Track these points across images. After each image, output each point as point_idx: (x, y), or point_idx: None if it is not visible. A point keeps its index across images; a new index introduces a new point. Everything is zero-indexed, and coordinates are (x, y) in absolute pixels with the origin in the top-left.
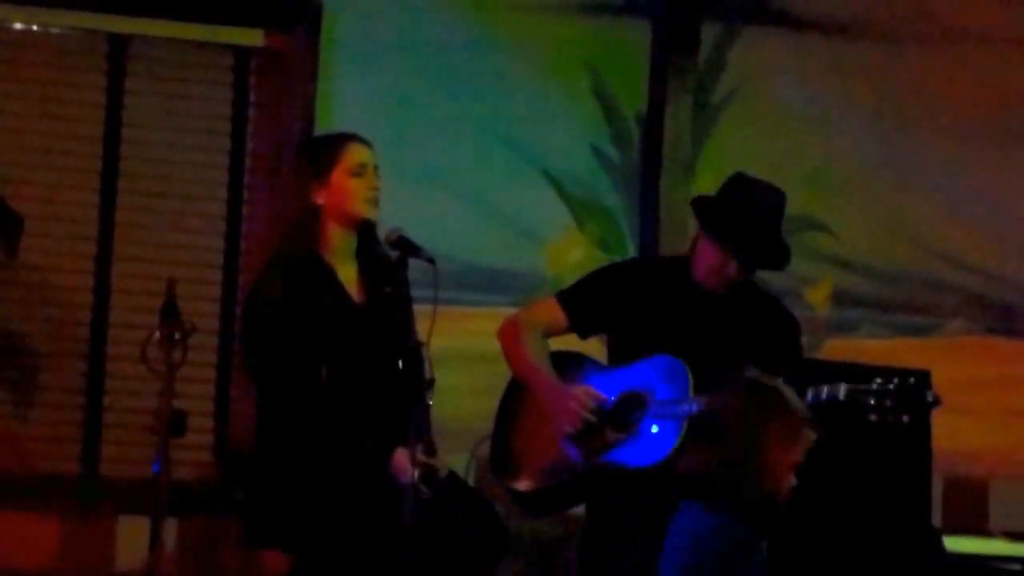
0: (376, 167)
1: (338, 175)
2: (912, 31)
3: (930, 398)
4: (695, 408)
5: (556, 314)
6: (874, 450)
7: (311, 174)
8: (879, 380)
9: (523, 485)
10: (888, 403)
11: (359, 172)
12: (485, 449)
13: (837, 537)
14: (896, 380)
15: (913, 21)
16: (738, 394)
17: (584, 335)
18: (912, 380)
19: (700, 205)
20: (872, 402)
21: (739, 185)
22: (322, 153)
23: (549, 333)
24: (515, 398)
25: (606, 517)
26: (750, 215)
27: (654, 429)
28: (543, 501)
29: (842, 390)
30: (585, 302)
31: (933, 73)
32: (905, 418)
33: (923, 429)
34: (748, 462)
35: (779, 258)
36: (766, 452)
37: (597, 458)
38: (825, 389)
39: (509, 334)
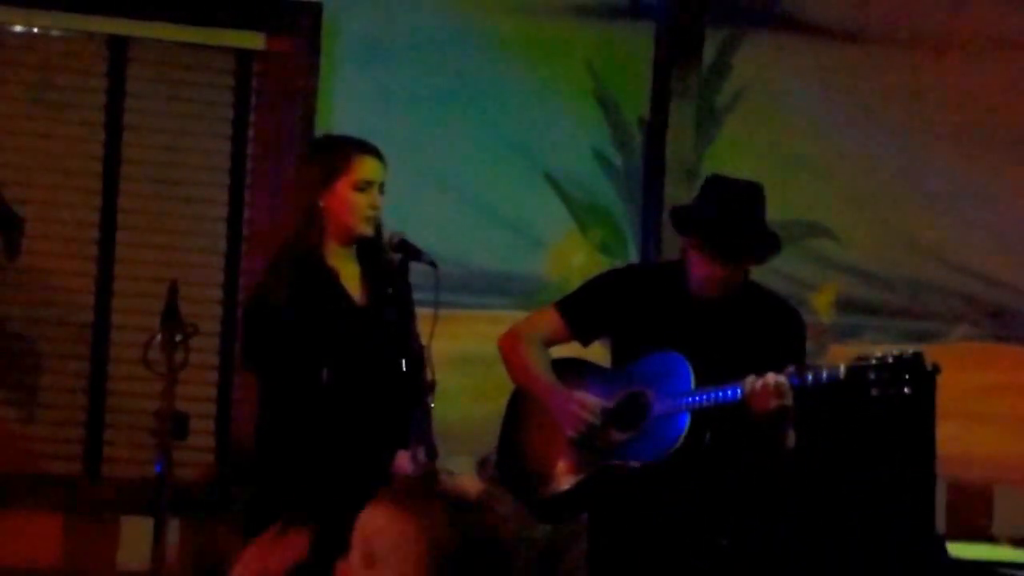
0: (382, 184)
1: (342, 185)
2: (917, 36)
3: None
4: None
5: (555, 322)
6: (879, 439)
7: (317, 174)
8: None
9: (534, 493)
10: (889, 375)
11: (363, 187)
12: (489, 459)
13: (839, 540)
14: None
15: (918, 26)
16: None
17: (585, 342)
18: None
19: (677, 215)
20: (873, 376)
21: (713, 186)
22: (332, 157)
23: (550, 342)
24: (520, 406)
25: (611, 515)
26: (725, 213)
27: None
28: (555, 508)
29: (842, 369)
30: (584, 308)
31: (940, 78)
32: (907, 390)
33: (927, 402)
34: None
35: (765, 247)
36: None
37: (605, 460)
38: (825, 370)
39: (509, 345)
